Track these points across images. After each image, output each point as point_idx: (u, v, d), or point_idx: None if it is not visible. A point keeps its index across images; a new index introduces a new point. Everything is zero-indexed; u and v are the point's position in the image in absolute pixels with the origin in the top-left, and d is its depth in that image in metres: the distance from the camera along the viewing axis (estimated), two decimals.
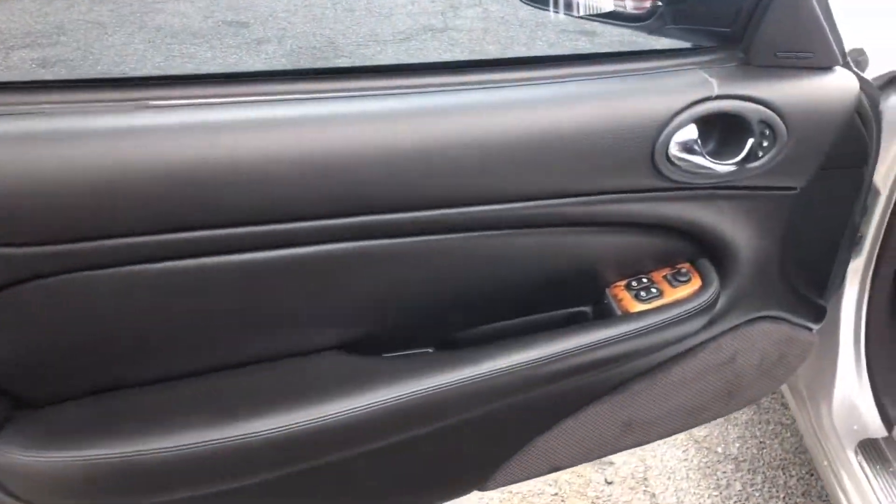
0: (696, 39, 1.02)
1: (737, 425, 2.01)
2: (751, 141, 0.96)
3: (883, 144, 1.28)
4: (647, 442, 1.20)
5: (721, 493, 1.81)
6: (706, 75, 0.94)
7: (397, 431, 0.94)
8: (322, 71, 0.83)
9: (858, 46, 1.13)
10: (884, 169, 1.32)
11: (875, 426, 1.33)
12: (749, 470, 1.87)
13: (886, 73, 1.28)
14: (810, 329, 1.28)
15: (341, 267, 0.90)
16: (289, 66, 4.56)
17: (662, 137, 0.92)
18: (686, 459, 1.90)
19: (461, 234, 0.94)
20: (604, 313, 1.08)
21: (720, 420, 2.03)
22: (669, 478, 1.85)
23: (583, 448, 1.13)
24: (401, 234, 0.90)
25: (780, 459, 1.89)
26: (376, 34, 4.84)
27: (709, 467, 1.88)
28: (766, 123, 0.96)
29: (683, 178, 0.96)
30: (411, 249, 0.92)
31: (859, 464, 1.27)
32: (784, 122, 0.96)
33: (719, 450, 1.94)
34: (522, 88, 0.90)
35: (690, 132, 0.94)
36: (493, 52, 4.68)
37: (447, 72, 0.88)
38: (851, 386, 1.39)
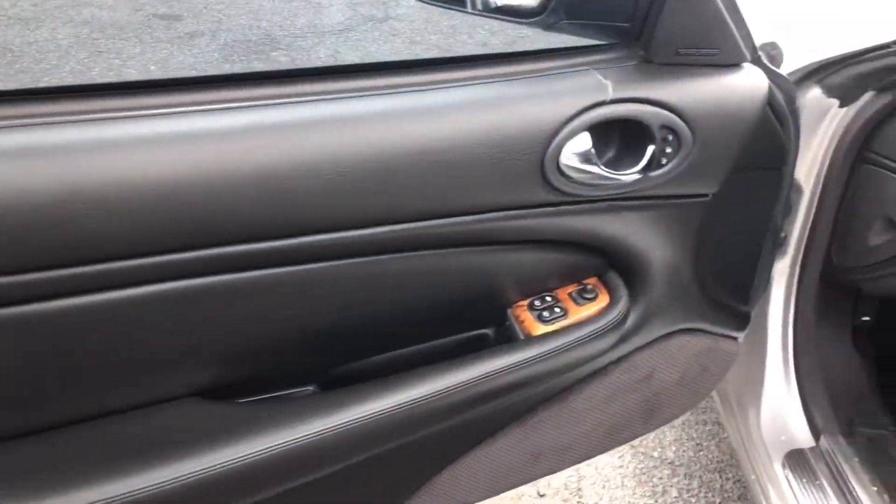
0: (594, 36, 0.93)
1: (673, 427, 1.95)
2: (652, 148, 0.87)
3: (804, 140, 1.22)
4: (562, 468, 1.12)
5: (657, 501, 1.75)
6: (601, 77, 0.86)
7: (266, 487, 0.84)
8: (137, 84, 0.72)
9: (770, 40, 1.06)
10: (806, 165, 1.26)
11: (803, 436, 1.27)
12: (685, 474, 1.82)
13: (804, 67, 1.21)
14: (734, 338, 1.21)
15: (197, 303, 0.79)
16: (221, 60, 4.41)
17: (552, 148, 0.83)
18: (621, 466, 1.84)
19: (335, 262, 0.84)
20: (506, 336, 1.00)
21: None
22: (604, 486, 1.79)
23: (489, 481, 1.05)
24: (264, 266, 0.80)
25: (717, 462, 1.84)
26: (315, 25, 4.70)
27: (644, 473, 1.82)
28: (668, 128, 0.88)
29: (579, 190, 0.87)
30: (280, 281, 0.82)
31: (786, 477, 1.22)
32: (688, 126, 0.88)
33: (655, 454, 1.88)
34: (392, 97, 0.80)
35: (584, 141, 0.85)
36: (434, 41, 4.58)
37: (303, 80, 0.77)
38: (779, 394, 1.33)
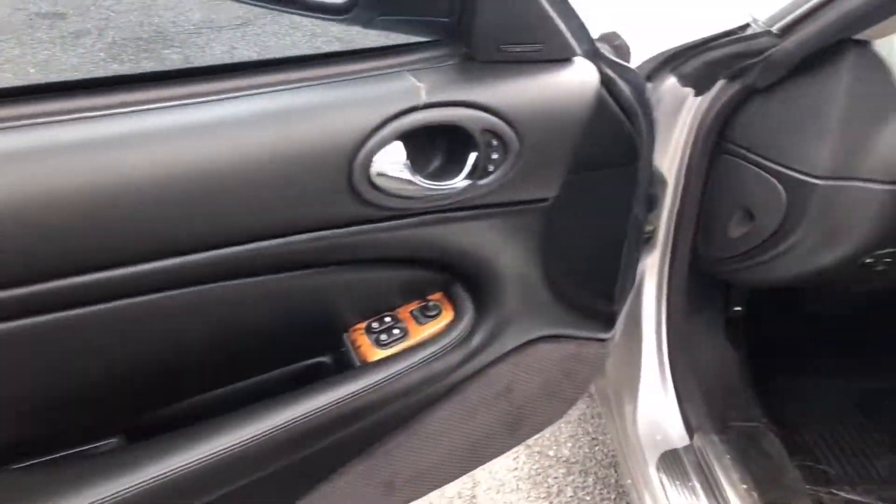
0: (415, 32, 0.86)
1: (569, 422, 1.92)
2: (474, 155, 0.80)
3: (664, 131, 1.18)
4: (421, 496, 1.05)
5: (552, 502, 1.72)
6: (414, 79, 0.78)
7: None
8: None
9: (611, 31, 1.00)
10: (668, 157, 1.22)
11: (678, 435, 1.24)
12: (580, 472, 1.78)
13: (657, 56, 1.17)
14: (602, 340, 1.16)
15: None
16: (108, 60, 4.19)
17: (360, 160, 0.75)
18: (516, 468, 1.79)
19: (131, 300, 0.74)
20: (343, 363, 0.92)
21: None
22: (498, 491, 1.74)
23: None
24: (51, 308, 0.70)
25: (612, 456, 1.82)
26: (211, 20, 4.50)
27: (539, 474, 1.78)
28: (491, 132, 0.81)
29: (400, 203, 0.80)
30: (74, 322, 0.72)
31: (660, 480, 1.18)
32: (513, 129, 0.82)
33: (551, 453, 1.84)
34: (174, 111, 0.70)
35: (398, 150, 0.77)
36: (335, 33, 4.44)
37: (68, 95, 0.67)
38: (655, 391, 1.30)
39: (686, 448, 1.21)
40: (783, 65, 0.99)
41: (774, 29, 0.99)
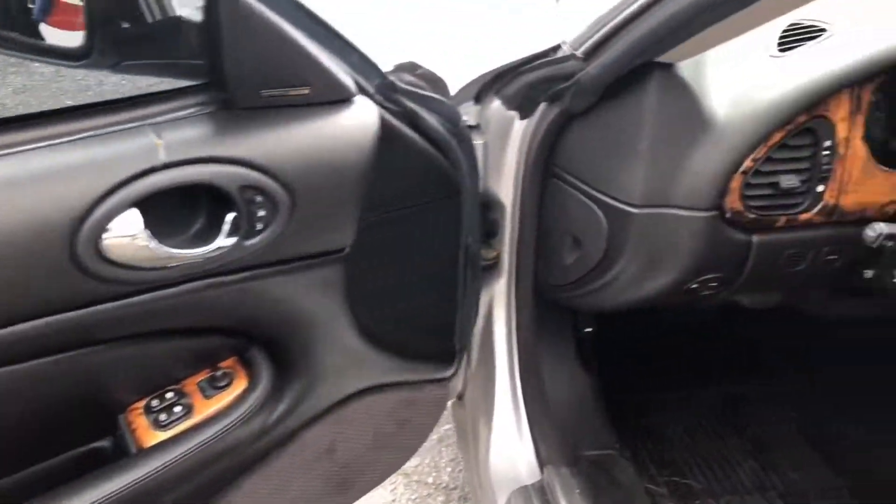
0: (173, 76, 0.77)
1: (449, 445, 1.87)
2: (232, 216, 0.72)
3: (497, 154, 1.12)
4: None
5: None
6: (154, 136, 0.69)
7: None
8: None
9: (408, 60, 0.93)
10: (504, 181, 1.16)
11: (530, 469, 1.19)
12: (460, 497, 1.73)
13: (482, 76, 1.11)
14: (441, 379, 1.10)
15: None
16: None
17: (85, 234, 0.65)
18: (394, 500, 1.73)
19: None
20: (121, 448, 0.82)
21: (433, 443, 1.88)
22: None
23: None
24: None
25: None
26: None
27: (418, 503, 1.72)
28: (254, 188, 0.72)
29: (147, 276, 0.71)
30: None
31: None
32: (279, 183, 0.73)
33: (430, 480, 1.78)
34: None
35: (135, 218, 0.68)
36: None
37: None
38: (508, 424, 1.24)
39: (535, 484, 1.16)
40: (591, 89, 0.94)
41: (579, 52, 0.93)
